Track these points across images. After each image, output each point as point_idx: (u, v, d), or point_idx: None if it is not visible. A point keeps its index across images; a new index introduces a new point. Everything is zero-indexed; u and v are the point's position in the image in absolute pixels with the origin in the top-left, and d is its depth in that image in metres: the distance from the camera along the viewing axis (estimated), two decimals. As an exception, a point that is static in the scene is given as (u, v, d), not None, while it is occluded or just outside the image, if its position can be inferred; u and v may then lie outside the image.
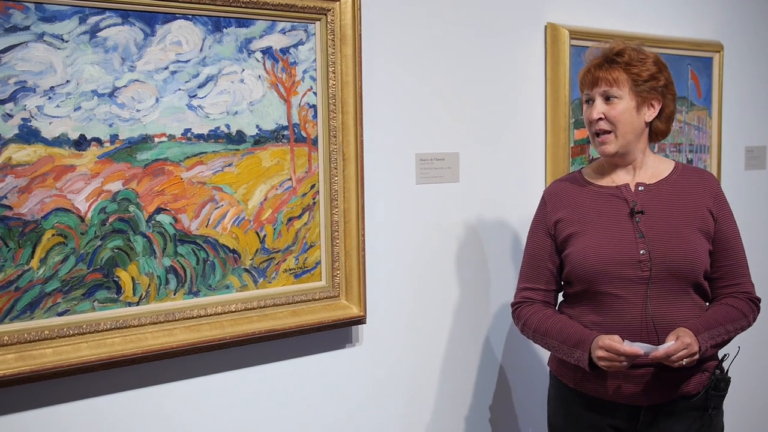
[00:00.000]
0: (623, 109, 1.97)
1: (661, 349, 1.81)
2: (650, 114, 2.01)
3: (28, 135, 1.70)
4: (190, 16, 1.90)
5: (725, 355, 2.01)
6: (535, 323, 2.07)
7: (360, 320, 2.22)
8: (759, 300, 2.06)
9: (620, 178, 2.07)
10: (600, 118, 1.98)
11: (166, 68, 1.87)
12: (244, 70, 1.99)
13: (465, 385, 2.55)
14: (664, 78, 2.01)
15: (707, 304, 2.05)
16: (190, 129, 1.92)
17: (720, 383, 1.97)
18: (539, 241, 2.14)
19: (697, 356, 1.85)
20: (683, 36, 3.08)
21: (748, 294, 2.04)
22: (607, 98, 1.98)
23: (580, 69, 2.08)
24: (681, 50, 3.01)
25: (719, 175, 3.21)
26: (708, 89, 3.15)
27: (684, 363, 1.84)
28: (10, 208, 1.69)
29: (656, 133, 2.07)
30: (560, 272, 2.12)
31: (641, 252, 1.94)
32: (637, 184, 2.04)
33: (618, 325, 1.95)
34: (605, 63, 1.99)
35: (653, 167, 2.07)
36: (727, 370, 2.02)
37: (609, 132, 1.99)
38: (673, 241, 1.95)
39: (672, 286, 1.95)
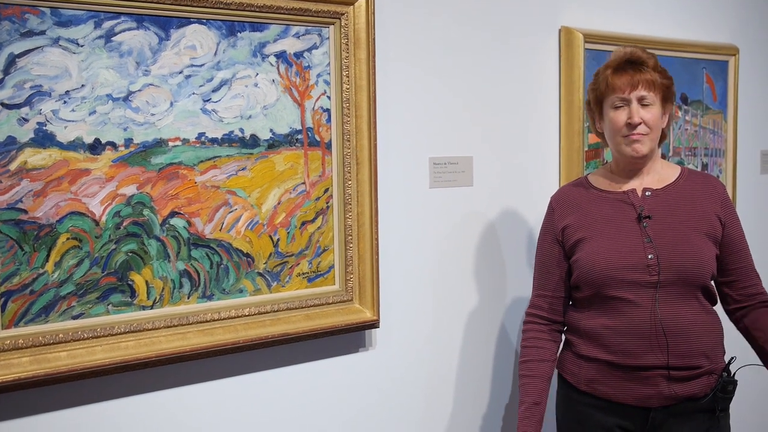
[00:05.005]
0: (656, 114, 1.99)
1: None
2: (665, 120, 2.06)
3: (44, 139, 1.71)
4: (205, 21, 1.90)
5: (732, 357, 2.03)
6: (521, 359, 2.16)
7: (373, 324, 2.21)
8: None
9: (627, 183, 2.07)
10: (640, 122, 1.98)
11: (181, 72, 1.88)
12: (258, 74, 1.99)
13: (480, 388, 2.55)
14: (673, 86, 2.06)
15: (713, 307, 2.05)
16: (204, 133, 1.92)
17: (727, 385, 1.98)
18: (547, 248, 2.15)
19: None
20: (698, 39, 3.06)
21: (764, 299, 2.07)
22: (643, 102, 1.98)
23: (605, 72, 2.04)
24: (696, 53, 3.00)
25: (734, 180, 3.19)
26: (723, 93, 3.13)
27: None
28: (25, 212, 1.70)
29: (661, 139, 2.10)
30: (569, 278, 2.12)
31: (649, 257, 1.95)
32: (644, 189, 2.05)
33: (627, 329, 1.96)
34: (641, 66, 1.99)
35: (660, 172, 2.08)
36: (734, 373, 2.02)
37: (645, 134, 1.99)
38: (681, 246, 1.96)
39: (680, 290, 1.96)
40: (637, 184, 2.06)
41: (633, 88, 1.98)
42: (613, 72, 2.01)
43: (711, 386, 1.98)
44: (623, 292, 1.96)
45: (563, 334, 2.17)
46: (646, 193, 2.04)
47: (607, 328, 1.99)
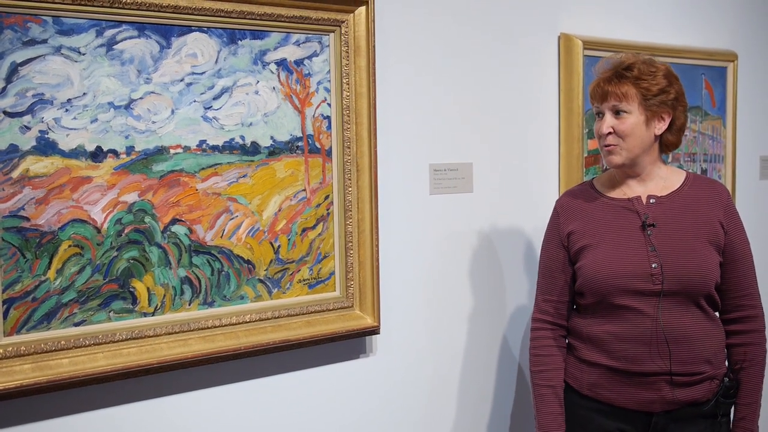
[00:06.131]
0: (632, 124, 1.98)
1: None
2: (660, 127, 2.02)
3: (46, 147, 1.72)
4: (206, 29, 1.91)
5: (735, 362, 2.04)
6: (534, 369, 2.15)
7: (374, 330, 2.22)
8: (764, 318, 2.08)
9: (632, 190, 2.07)
10: (609, 132, 1.99)
11: (182, 80, 1.89)
12: (258, 81, 2.00)
13: (481, 394, 2.55)
14: (674, 91, 2.01)
15: (717, 314, 2.05)
16: (206, 140, 1.93)
17: (729, 390, 2.00)
18: (553, 253, 2.15)
19: None
20: (697, 45, 3.07)
21: (756, 318, 2.06)
22: (617, 112, 1.99)
23: (591, 81, 2.09)
24: (695, 60, 3.01)
25: (734, 185, 3.20)
26: (722, 99, 3.14)
27: None
28: (27, 219, 1.71)
29: (667, 145, 2.08)
30: (574, 282, 2.12)
31: (653, 266, 1.95)
32: (649, 197, 2.04)
33: (630, 336, 1.97)
34: (614, 77, 2.00)
35: (665, 179, 2.08)
36: (736, 378, 2.03)
37: (616, 144, 2.00)
38: (685, 255, 1.96)
39: (683, 298, 1.96)
40: (641, 191, 2.06)
41: (603, 99, 2.00)
42: (595, 82, 2.05)
43: (713, 391, 1.99)
44: (626, 300, 1.96)
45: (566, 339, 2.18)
46: (651, 201, 2.04)
47: (610, 335, 1.99)
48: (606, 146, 2.02)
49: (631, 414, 2.00)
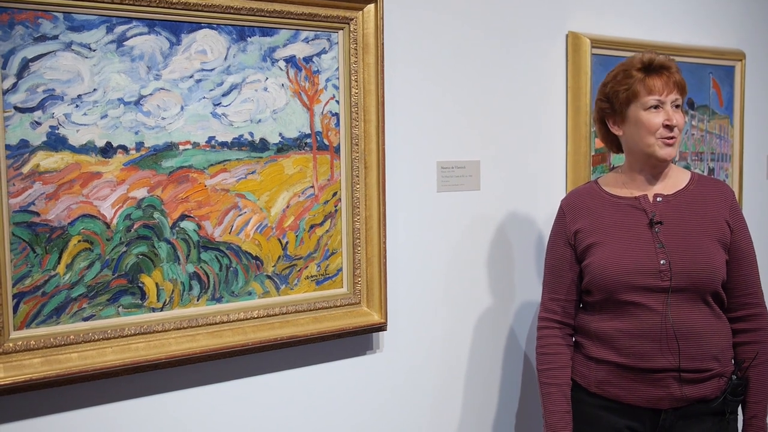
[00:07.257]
0: (683, 117, 2.02)
1: None
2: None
3: (56, 142, 1.73)
4: (215, 26, 1.92)
5: (743, 360, 2.04)
6: (541, 367, 2.16)
7: (381, 327, 2.22)
8: None
9: (638, 188, 2.08)
10: (674, 125, 1.99)
11: (191, 77, 1.89)
12: (267, 78, 2.01)
13: (488, 391, 2.55)
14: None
15: (722, 312, 2.05)
16: (214, 137, 1.94)
17: (737, 388, 2.00)
18: (559, 251, 2.15)
19: None
20: (705, 44, 3.07)
21: (761, 317, 2.06)
22: (674, 105, 2.00)
23: (636, 74, 2.02)
24: (703, 59, 3.01)
25: (741, 184, 3.19)
26: (730, 98, 3.14)
27: None
28: (37, 214, 1.72)
29: None
30: (581, 281, 2.12)
31: (662, 262, 1.95)
32: (656, 195, 2.05)
33: (639, 332, 1.97)
34: (672, 69, 2.01)
35: (672, 178, 2.09)
36: (744, 376, 2.03)
37: (677, 137, 2.01)
38: (693, 252, 1.96)
39: (691, 295, 1.97)
40: (648, 190, 2.07)
41: (669, 91, 1.99)
42: (647, 73, 2.01)
43: (721, 389, 1.99)
44: (635, 296, 1.97)
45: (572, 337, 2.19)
46: (657, 199, 2.04)
47: (619, 331, 2.00)
48: (669, 138, 1.99)
49: (640, 411, 2.00)
